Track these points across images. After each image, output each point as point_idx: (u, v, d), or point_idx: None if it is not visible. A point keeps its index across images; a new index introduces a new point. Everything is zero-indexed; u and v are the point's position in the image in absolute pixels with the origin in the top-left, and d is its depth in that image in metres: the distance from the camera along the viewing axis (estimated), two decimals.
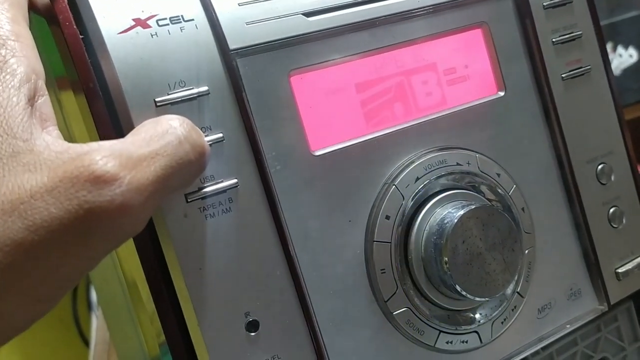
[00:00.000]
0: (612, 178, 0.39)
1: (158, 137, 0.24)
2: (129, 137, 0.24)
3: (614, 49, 1.07)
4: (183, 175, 0.25)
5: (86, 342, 0.71)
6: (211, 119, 0.28)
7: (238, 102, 0.29)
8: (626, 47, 1.07)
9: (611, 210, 0.39)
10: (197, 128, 0.27)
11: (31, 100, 0.23)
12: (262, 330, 0.29)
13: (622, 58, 1.07)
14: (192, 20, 0.28)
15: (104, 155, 0.22)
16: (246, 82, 0.29)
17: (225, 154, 0.29)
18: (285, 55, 0.31)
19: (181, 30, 0.28)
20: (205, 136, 0.28)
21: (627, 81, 1.07)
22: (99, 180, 0.21)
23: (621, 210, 0.39)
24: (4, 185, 0.21)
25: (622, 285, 0.39)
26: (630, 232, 0.39)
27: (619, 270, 0.38)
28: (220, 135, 0.28)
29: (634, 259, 0.39)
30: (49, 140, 0.22)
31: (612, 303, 0.38)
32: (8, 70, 0.23)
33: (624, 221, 0.39)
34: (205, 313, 0.28)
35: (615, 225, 0.39)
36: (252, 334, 0.29)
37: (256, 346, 0.29)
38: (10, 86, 0.23)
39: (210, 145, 0.28)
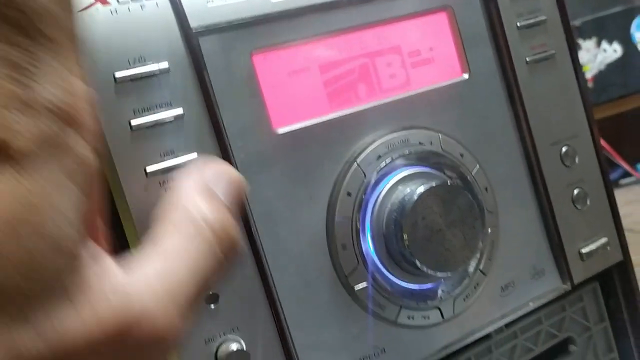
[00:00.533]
0: (577, 160, 0.39)
1: (186, 247, 0.21)
2: (161, 263, 0.20)
3: (599, 44, 1.08)
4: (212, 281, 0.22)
5: None
6: (171, 95, 0.29)
7: (199, 80, 0.30)
8: (610, 42, 1.08)
9: (575, 191, 0.39)
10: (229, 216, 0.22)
11: None
12: (222, 303, 0.29)
13: (606, 53, 1.08)
14: None
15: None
16: (208, 60, 0.30)
17: (185, 130, 0.29)
18: (247, 35, 0.31)
19: (142, 8, 0.29)
20: (165, 112, 0.29)
21: (611, 76, 1.08)
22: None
23: (585, 192, 0.40)
24: None
25: (585, 265, 0.39)
26: (594, 214, 0.40)
27: (583, 251, 0.39)
28: (181, 111, 0.29)
29: (597, 240, 0.40)
30: None
31: (575, 283, 0.39)
32: None
33: (588, 203, 0.40)
34: None
35: (579, 207, 0.39)
36: (212, 306, 0.29)
37: (216, 319, 0.29)
38: None
39: (171, 121, 0.29)
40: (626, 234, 0.92)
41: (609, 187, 0.41)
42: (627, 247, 0.41)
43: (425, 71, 0.36)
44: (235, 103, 0.31)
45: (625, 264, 0.41)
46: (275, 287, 0.31)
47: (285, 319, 0.31)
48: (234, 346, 0.29)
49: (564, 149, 0.39)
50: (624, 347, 0.43)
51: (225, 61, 0.30)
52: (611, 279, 0.42)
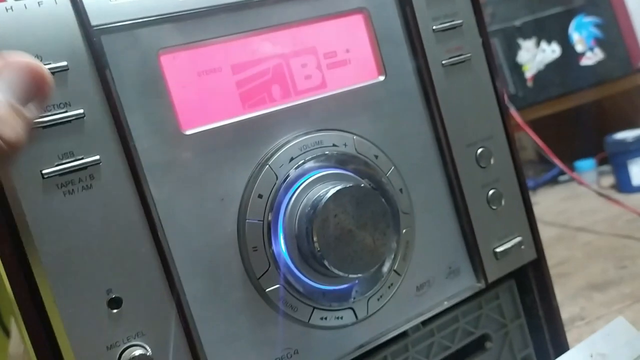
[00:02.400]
0: (492, 161, 0.40)
1: None
2: None
3: (538, 44, 1.11)
4: None
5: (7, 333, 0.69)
6: (70, 94, 0.28)
7: (101, 79, 0.29)
8: (549, 42, 1.11)
9: (490, 192, 0.40)
10: None
11: None
12: (126, 307, 0.29)
13: (545, 53, 1.11)
14: None
15: None
16: (111, 59, 0.29)
17: (86, 130, 0.28)
18: (154, 34, 0.31)
19: (39, 4, 0.28)
20: (64, 112, 0.28)
21: (550, 75, 1.11)
22: None
23: (500, 192, 0.41)
24: None
25: (500, 264, 0.40)
26: (509, 213, 0.41)
27: (497, 250, 0.40)
28: (81, 111, 0.28)
29: (512, 239, 0.41)
30: None
31: (489, 281, 0.40)
32: None
33: (503, 203, 0.41)
34: (62, 290, 0.28)
35: (494, 207, 0.40)
36: (114, 310, 0.29)
37: (119, 323, 0.29)
38: None
39: (70, 121, 0.28)
40: (559, 229, 0.95)
41: (524, 187, 0.42)
42: (541, 245, 0.42)
43: (341, 73, 0.36)
44: (140, 104, 0.30)
45: (539, 262, 0.42)
46: (183, 290, 0.31)
47: (193, 322, 0.31)
48: (137, 352, 0.29)
49: (479, 151, 0.40)
50: (540, 343, 0.44)
51: (130, 60, 0.30)
52: (526, 277, 0.43)
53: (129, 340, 0.29)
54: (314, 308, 0.34)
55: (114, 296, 0.29)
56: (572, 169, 1.09)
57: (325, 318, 0.34)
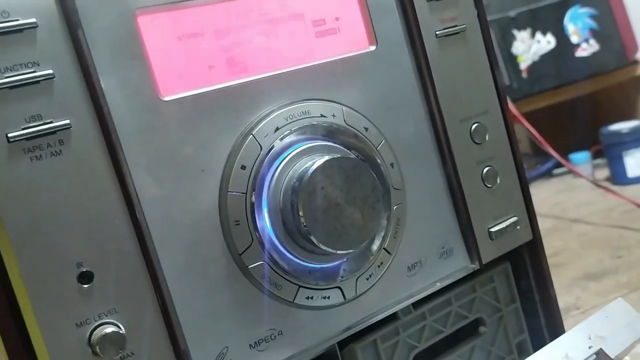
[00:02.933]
0: (487, 138, 0.39)
1: None
2: None
3: (533, 35, 1.10)
4: None
5: None
6: (39, 53, 0.26)
7: (72, 39, 0.27)
8: (544, 33, 1.10)
9: (485, 169, 0.39)
10: None
11: None
12: (97, 282, 0.27)
13: (540, 44, 1.10)
14: None
15: None
16: (83, 17, 0.27)
17: (55, 92, 0.27)
18: None
19: None
20: (32, 72, 0.26)
21: (544, 67, 1.10)
22: None
23: (495, 170, 0.39)
24: None
25: (495, 244, 0.39)
26: (505, 192, 0.39)
27: (492, 230, 0.39)
28: (50, 71, 0.26)
29: (507, 219, 0.39)
30: None
31: (484, 262, 0.38)
32: None
33: (498, 181, 0.39)
34: (29, 263, 0.26)
35: (489, 185, 0.39)
36: (85, 286, 0.27)
37: (90, 299, 0.27)
38: None
39: (38, 81, 0.26)
40: (555, 221, 0.94)
41: (520, 165, 0.40)
42: (537, 226, 0.41)
43: (330, 41, 0.35)
44: (115, 67, 0.28)
45: (535, 243, 0.41)
46: (160, 265, 0.29)
47: (171, 300, 0.29)
48: (110, 329, 0.27)
49: (474, 126, 0.38)
50: (535, 328, 0.42)
51: (104, 20, 0.28)
52: (522, 259, 0.42)
53: (100, 317, 0.27)
54: (300, 287, 0.32)
55: (84, 270, 0.27)
56: (567, 161, 1.08)
57: (312, 297, 0.32)
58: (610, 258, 0.73)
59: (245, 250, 0.31)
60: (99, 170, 0.27)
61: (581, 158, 1.11)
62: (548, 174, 1.18)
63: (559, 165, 1.15)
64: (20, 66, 0.26)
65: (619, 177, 1.01)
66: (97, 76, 0.28)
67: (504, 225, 0.39)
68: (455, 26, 0.38)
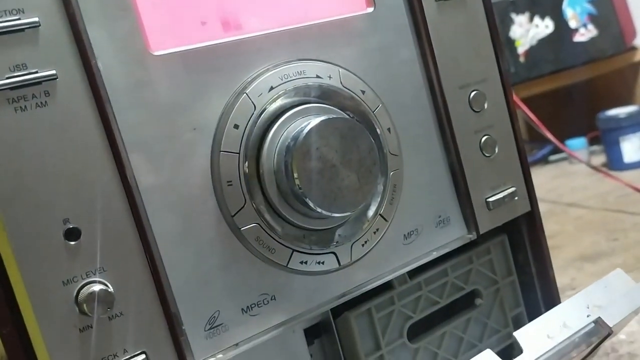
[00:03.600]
0: (486, 106, 0.38)
1: None
2: None
3: (531, 19, 1.09)
4: None
5: None
6: (24, 0, 0.25)
7: None
8: (543, 17, 1.09)
9: (483, 138, 0.38)
10: None
11: None
12: (85, 240, 0.26)
13: (538, 29, 1.09)
14: None
15: None
16: None
17: (41, 41, 0.26)
18: None
19: None
20: (17, 19, 0.25)
21: (542, 51, 1.09)
22: None
23: (494, 139, 0.38)
24: None
25: (492, 214, 0.38)
26: (503, 162, 0.39)
27: (490, 200, 0.38)
28: (36, 19, 0.25)
29: (505, 189, 0.39)
30: None
31: (481, 232, 0.38)
32: None
33: (497, 150, 0.38)
34: (13, 218, 0.25)
35: (487, 154, 0.38)
36: (72, 242, 0.26)
37: (76, 257, 0.26)
38: None
39: (23, 29, 0.25)
40: (551, 205, 0.94)
41: (518, 135, 0.39)
42: (535, 198, 0.40)
43: (326, 1, 0.34)
44: (103, 17, 0.27)
45: (532, 215, 0.40)
46: (150, 225, 0.28)
47: (160, 259, 0.28)
48: (97, 287, 0.26)
49: (472, 94, 0.37)
50: (531, 302, 0.42)
51: None
52: (519, 232, 0.41)
53: (87, 276, 0.26)
54: (294, 251, 0.31)
55: (71, 226, 0.26)
56: (564, 146, 1.07)
57: (306, 262, 0.32)
58: (606, 240, 0.72)
59: (238, 211, 0.30)
60: (86, 124, 0.26)
61: (577, 144, 1.11)
62: (544, 161, 1.18)
63: (555, 151, 1.14)
64: (3, 13, 0.25)
65: (615, 162, 1.00)
66: (84, 26, 0.27)
67: (502, 196, 0.38)
68: None
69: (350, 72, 0.33)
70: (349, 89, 0.33)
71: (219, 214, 0.30)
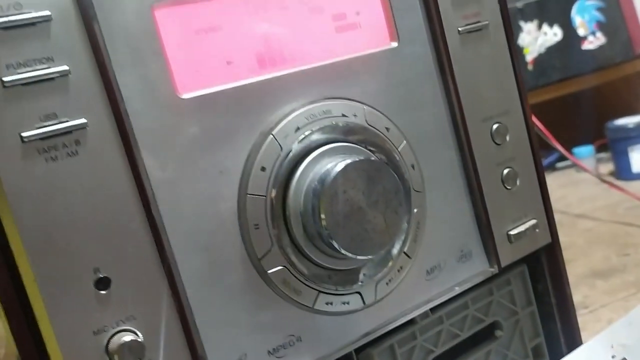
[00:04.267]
0: (507, 138, 0.38)
1: None
2: None
3: (540, 27, 1.08)
4: None
5: None
6: (54, 48, 0.25)
7: (88, 33, 0.26)
8: (551, 25, 1.09)
9: (505, 171, 0.38)
10: None
11: None
12: (115, 288, 0.26)
13: (547, 36, 1.09)
14: None
15: None
16: (99, 11, 0.26)
17: (71, 90, 0.25)
18: None
19: None
20: (47, 68, 0.25)
21: (551, 59, 1.09)
22: None
23: (515, 172, 0.38)
24: None
25: (513, 247, 0.38)
26: (524, 194, 0.39)
27: (511, 233, 0.38)
28: (66, 68, 0.25)
29: (526, 222, 0.39)
30: None
31: (502, 266, 0.37)
32: None
33: (518, 183, 0.38)
34: (44, 268, 0.25)
35: (508, 187, 0.38)
36: (102, 292, 0.26)
37: (107, 306, 0.26)
38: None
39: (53, 78, 0.25)
40: (559, 215, 0.94)
41: (540, 167, 0.39)
42: (555, 229, 0.40)
43: (350, 37, 0.33)
44: (132, 63, 0.27)
45: (553, 246, 0.40)
46: (177, 270, 0.28)
47: (189, 305, 0.28)
48: (128, 337, 0.26)
49: (495, 126, 0.37)
50: (551, 332, 0.42)
51: (120, 13, 0.27)
52: (539, 262, 0.41)
53: (118, 324, 0.26)
54: (319, 292, 0.31)
55: (101, 276, 0.26)
56: (571, 155, 1.07)
57: (331, 303, 0.32)
58: (617, 255, 0.72)
59: (265, 255, 0.30)
60: (116, 172, 0.26)
61: (585, 152, 1.11)
62: (551, 167, 1.18)
63: (562, 158, 1.14)
64: (33, 62, 0.25)
65: (623, 172, 1.00)
66: (113, 72, 0.26)
67: (523, 229, 0.38)
68: (478, 22, 0.37)
69: (374, 109, 0.33)
70: (373, 127, 0.33)
71: (246, 257, 0.30)
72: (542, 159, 0.40)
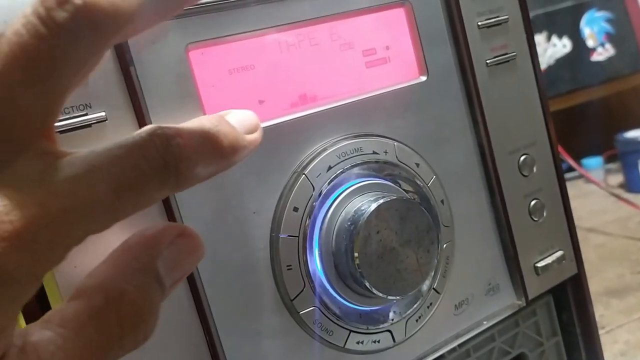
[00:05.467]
0: (534, 170, 0.38)
1: None
2: None
3: (549, 38, 1.08)
4: None
5: None
6: (91, 95, 0.25)
7: (125, 78, 0.26)
8: (560, 37, 1.09)
9: (532, 203, 0.37)
10: None
11: None
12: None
13: (556, 48, 1.09)
14: None
15: None
16: (135, 55, 0.26)
17: (108, 137, 0.25)
18: (181, 27, 0.27)
19: None
20: (84, 115, 0.25)
21: (560, 71, 1.08)
22: None
23: (542, 203, 0.38)
24: None
25: (540, 279, 0.38)
26: (551, 226, 0.38)
27: (538, 265, 0.38)
28: (103, 114, 0.25)
29: (553, 253, 0.38)
30: None
31: (530, 298, 0.37)
32: None
33: (545, 214, 0.38)
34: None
35: (535, 219, 0.38)
36: None
37: (139, 349, 0.26)
38: None
39: (90, 125, 0.25)
40: None
41: (566, 198, 0.39)
42: (581, 259, 0.40)
43: (380, 72, 0.33)
44: (167, 105, 0.27)
45: (579, 277, 0.40)
46: (210, 310, 0.28)
47: (220, 345, 0.28)
48: None
49: (522, 158, 0.37)
50: None
51: (155, 56, 0.27)
52: (564, 292, 0.41)
53: None
54: (351, 331, 0.31)
55: None
56: (579, 166, 1.07)
57: (362, 342, 0.31)
58: (631, 273, 0.72)
59: (297, 295, 0.29)
60: (149, 215, 0.26)
61: (594, 163, 1.10)
62: None
63: (570, 169, 1.14)
64: (71, 109, 0.25)
65: (633, 184, 1.00)
66: (149, 116, 0.26)
67: (550, 261, 0.38)
68: (506, 54, 0.36)
69: (404, 145, 0.33)
70: (404, 163, 0.33)
71: (278, 298, 0.29)
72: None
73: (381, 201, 0.29)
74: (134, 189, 0.19)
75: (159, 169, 0.20)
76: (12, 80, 0.18)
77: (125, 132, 0.25)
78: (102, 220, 0.19)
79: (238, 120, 0.25)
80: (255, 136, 0.25)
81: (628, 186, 1.01)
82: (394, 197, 0.30)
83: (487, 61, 0.36)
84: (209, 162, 0.22)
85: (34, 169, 0.19)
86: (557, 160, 0.39)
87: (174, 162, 0.20)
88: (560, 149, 0.97)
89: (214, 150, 0.22)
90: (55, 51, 0.18)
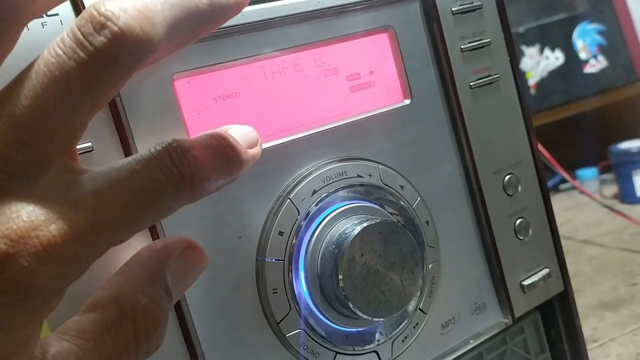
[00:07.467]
0: (519, 189, 0.38)
1: None
2: None
3: (541, 51, 1.09)
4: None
5: None
6: None
7: (110, 108, 0.26)
8: (553, 49, 1.09)
9: (517, 221, 0.38)
10: None
11: None
12: None
13: (548, 60, 1.09)
14: (57, 15, 0.25)
15: None
16: None
17: (94, 166, 0.26)
18: (167, 57, 0.28)
19: (43, 26, 0.25)
20: None
21: (553, 83, 1.09)
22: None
23: (527, 222, 0.38)
24: None
25: (527, 297, 0.38)
26: (537, 244, 0.39)
27: (524, 283, 0.38)
28: (89, 144, 0.26)
29: (539, 271, 0.39)
30: None
31: (516, 316, 0.38)
32: None
33: (530, 233, 0.38)
34: None
35: (521, 237, 0.38)
36: None
37: None
38: None
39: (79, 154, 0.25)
40: (565, 241, 0.94)
41: (552, 216, 0.40)
42: (568, 276, 0.40)
43: (365, 96, 0.34)
44: (153, 134, 0.27)
45: (566, 294, 0.40)
46: (196, 334, 0.28)
47: None
48: None
49: (506, 178, 0.38)
50: None
51: (141, 86, 0.27)
52: (551, 307, 0.41)
53: None
54: (337, 353, 0.31)
55: None
56: (574, 177, 1.08)
57: None
58: (625, 285, 0.72)
59: (283, 318, 0.30)
60: (133, 240, 0.27)
61: (588, 174, 1.11)
62: (554, 190, 1.18)
63: (565, 180, 1.15)
64: None
65: (628, 195, 1.00)
66: (135, 147, 0.27)
67: (536, 278, 0.38)
68: (489, 76, 0.37)
69: (389, 167, 0.34)
70: (389, 186, 0.33)
71: (264, 321, 0.30)
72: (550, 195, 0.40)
73: (365, 224, 0.30)
74: (154, 200, 0.20)
75: (175, 181, 0.21)
76: (48, 98, 0.19)
77: (109, 160, 0.26)
78: (124, 232, 0.20)
79: (240, 135, 0.25)
80: (256, 150, 0.26)
81: (622, 197, 1.02)
82: (378, 220, 0.30)
83: (471, 83, 0.36)
84: (221, 174, 0.23)
85: (60, 185, 0.19)
86: (542, 179, 0.39)
87: (189, 174, 0.21)
88: (553, 161, 0.98)
89: (225, 163, 0.23)
90: (91, 74, 0.19)
